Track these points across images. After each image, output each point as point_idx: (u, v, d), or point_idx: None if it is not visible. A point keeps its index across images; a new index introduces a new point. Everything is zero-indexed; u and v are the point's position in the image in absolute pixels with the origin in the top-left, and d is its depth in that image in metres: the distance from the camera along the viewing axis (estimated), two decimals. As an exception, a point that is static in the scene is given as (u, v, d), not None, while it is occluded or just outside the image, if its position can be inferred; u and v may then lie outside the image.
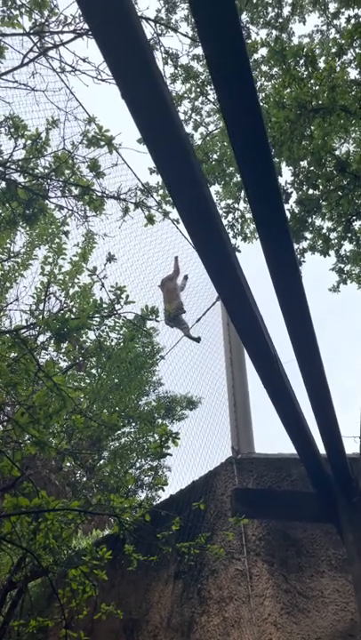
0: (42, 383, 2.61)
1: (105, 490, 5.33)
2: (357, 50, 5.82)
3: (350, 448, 3.43)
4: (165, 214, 4.14)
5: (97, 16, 1.41)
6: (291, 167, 6.12)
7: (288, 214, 6.15)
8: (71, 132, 3.37)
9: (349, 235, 6.65)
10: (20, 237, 5.34)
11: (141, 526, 3.55)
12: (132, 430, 6.55)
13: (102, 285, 2.56)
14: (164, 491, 5.44)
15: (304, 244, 6.81)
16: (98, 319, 2.81)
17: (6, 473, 2.83)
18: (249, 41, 5.88)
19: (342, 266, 7.06)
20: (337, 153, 6.07)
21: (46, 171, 3.18)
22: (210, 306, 6.55)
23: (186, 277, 6.34)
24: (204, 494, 4.49)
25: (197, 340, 5.93)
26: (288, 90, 5.39)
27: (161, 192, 6.29)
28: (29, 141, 3.21)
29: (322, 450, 3.29)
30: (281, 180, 6.11)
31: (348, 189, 5.89)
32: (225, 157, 6.41)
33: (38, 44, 3.37)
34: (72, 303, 5.20)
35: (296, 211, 6.32)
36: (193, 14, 1.50)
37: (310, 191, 6.23)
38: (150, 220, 3.71)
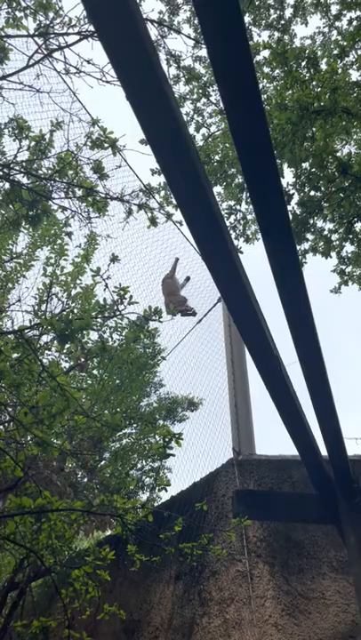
0: (45, 384, 2.62)
1: (106, 491, 5.34)
2: (359, 52, 5.84)
3: (352, 450, 3.44)
4: (168, 216, 4.15)
5: (102, 18, 1.42)
6: (293, 169, 6.14)
7: (290, 216, 6.16)
8: (75, 134, 3.38)
9: (351, 236, 6.66)
10: (23, 238, 5.35)
11: (144, 527, 3.55)
12: (134, 431, 6.55)
13: (106, 286, 2.57)
14: (166, 491, 5.44)
15: (306, 246, 6.83)
16: (101, 320, 2.82)
17: (9, 473, 2.83)
18: (251, 43, 5.89)
19: (344, 267, 7.07)
20: (339, 155, 6.07)
21: (50, 172, 3.19)
22: (211, 307, 6.57)
23: (188, 279, 6.33)
24: (205, 495, 4.49)
25: (193, 314, 5.81)
26: (290, 92, 5.41)
27: (163, 193, 6.30)
28: (33, 143, 3.22)
29: (323, 451, 3.29)
30: (283, 182, 6.13)
31: (349, 191, 5.90)
32: (227, 159, 6.42)
33: (43, 46, 3.38)
34: (74, 304, 5.21)
35: (298, 212, 6.33)
36: (197, 15, 1.50)
37: (312, 193, 6.24)
38: (153, 222, 3.72)
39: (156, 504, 5.86)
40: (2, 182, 3.15)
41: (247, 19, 6.47)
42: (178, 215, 5.03)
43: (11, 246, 5.26)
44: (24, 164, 3.18)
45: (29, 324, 2.87)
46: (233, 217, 6.82)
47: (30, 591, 5.45)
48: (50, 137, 3.31)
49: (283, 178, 6.15)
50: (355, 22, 6.32)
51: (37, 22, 3.34)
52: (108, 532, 5.57)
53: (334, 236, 6.80)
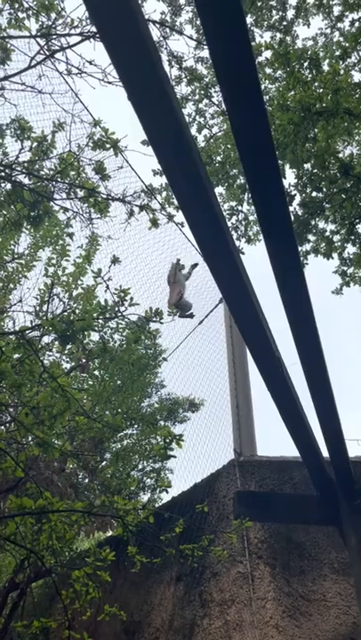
0: (46, 384, 2.62)
1: (107, 492, 5.33)
2: (361, 53, 5.83)
3: (353, 451, 3.43)
4: (170, 217, 4.15)
5: (104, 19, 1.42)
6: (294, 170, 6.13)
7: (291, 217, 6.16)
8: (77, 135, 3.39)
9: (353, 237, 6.64)
10: (25, 239, 5.36)
11: (145, 528, 3.54)
12: (135, 432, 6.56)
13: (107, 287, 2.57)
14: (167, 492, 5.44)
15: (307, 247, 6.82)
16: (102, 321, 2.82)
17: (10, 474, 2.83)
18: (253, 43, 5.89)
19: (345, 269, 7.05)
20: (341, 156, 6.07)
21: (52, 173, 3.19)
22: (212, 308, 6.57)
23: (195, 265, 6.11)
24: (206, 497, 4.49)
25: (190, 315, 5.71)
26: (292, 92, 5.40)
27: (164, 194, 6.30)
28: (35, 143, 3.22)
29: (325, 453, 3.28)
30: (285, 183, 6.12)
31: (351, 192, 5.89)
32: (228, 160, 6.42)
33: (45, 47, 3.39)
34: (75, 305, 5.21)
35: (299, 213, 6.32)
36: (199, 16, 1.50)
37: (314, 194, 6.23)
38: (154, 223, 3.72)
39: (156, 505, 5.86)
40: (4, 183, 3.15)
41: (249, 20, 6.47)
42: (179, 216, 5.04)
43: (12, 247, 5.27)
44: (26, 164, 3.18)
45: (31, 325, 2.88)
46: (235, 218, 6.82)
47: (31, 592, 5.45)
48: (52, 138, 3.31)
49: (285, 179, 6.14)
50: (357, 23, 6.32)
51: (40, 23, 3.34)
52: (109, 533, 5.57)
53: (336, 238, 6.79)
